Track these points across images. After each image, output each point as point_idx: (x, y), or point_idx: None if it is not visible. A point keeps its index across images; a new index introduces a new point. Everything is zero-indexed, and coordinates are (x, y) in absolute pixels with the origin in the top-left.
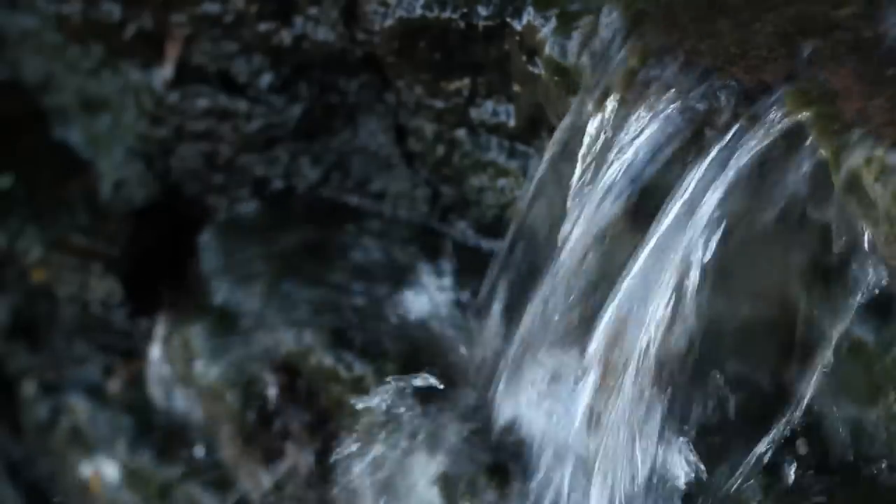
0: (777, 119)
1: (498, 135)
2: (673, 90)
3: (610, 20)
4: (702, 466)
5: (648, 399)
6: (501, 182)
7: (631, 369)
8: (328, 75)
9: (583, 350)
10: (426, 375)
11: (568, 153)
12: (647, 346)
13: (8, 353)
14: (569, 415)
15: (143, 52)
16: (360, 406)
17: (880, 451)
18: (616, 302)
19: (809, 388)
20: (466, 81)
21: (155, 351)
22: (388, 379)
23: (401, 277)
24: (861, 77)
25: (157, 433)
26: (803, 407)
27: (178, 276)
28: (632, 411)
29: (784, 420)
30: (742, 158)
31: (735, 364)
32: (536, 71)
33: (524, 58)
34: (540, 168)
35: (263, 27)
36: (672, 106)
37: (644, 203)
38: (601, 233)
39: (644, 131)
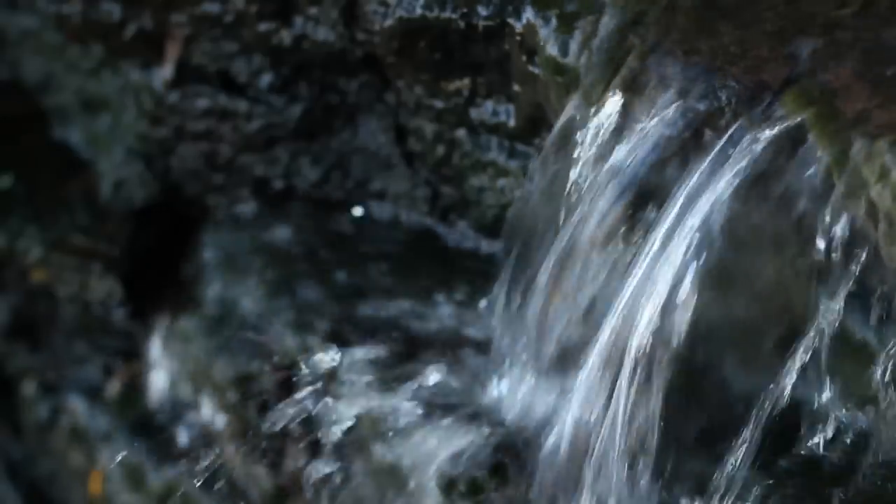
0: (777, 119)
1: (498, 135)
2: (673, 90)
3: (610, 20)
4: (700, 463)
5: (647, 397)
6: (501, 182)
7: (630, 366)
8: (328, 75)
9: (584, 347)
10: (427, 375)
11: (566, 153)
12: (647, 344)
13: (8, 353)
14: (566, 412)
15: (143, 52)
16: (360, 405)
17: (880, 451)
18: (617, 301)
19: (809, 388)
20: (466, 81)
21: (155, 351)
22: (389, 378)
23: (401, 276)
24: (861, 77)
25: (156, 433)
26: (804, 407)
27: (179, 275)
28: (631, 408)
29: (783, 419)
30: (742, 159)
31: (734, 363)
32: (536, 71)
33: (524, 58)
34: (538, 168)
35: (263, 27)
36: (672, 106)
37: (644, 203)
38: (602, 233)
39: (644, 131)
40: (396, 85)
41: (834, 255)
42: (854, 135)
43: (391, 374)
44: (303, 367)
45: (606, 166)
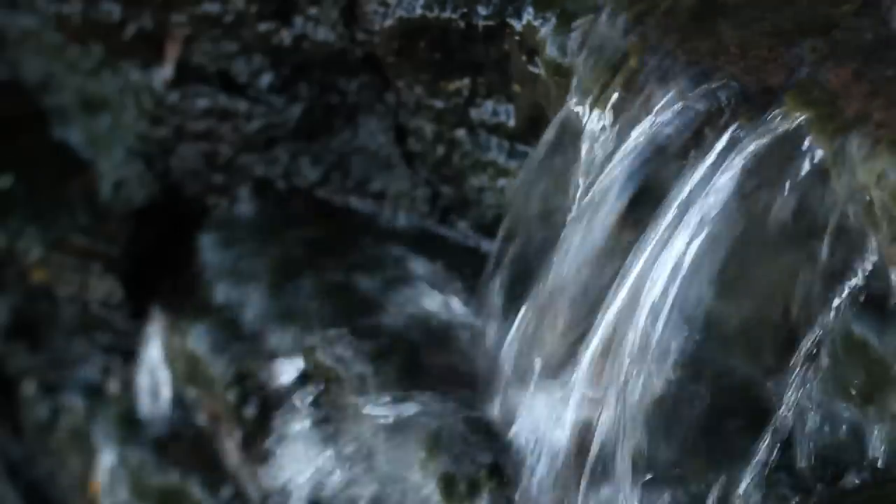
0: (777, 119)
1: (498, 135)
2: (673, 90)
3: (610, 20)
4: (700, 466)
5: (645, 397)
6: (501, 182)
7: (628, 368)
8: (328, 75)
9: (581, 348)
10: (427, 375)
11: (563, 152)
12: (645, 343)
13: (8, 353)
14: (563, 412)
15: (143, 52)
16: (360, 406)
17: (879, 452)
18: (615, 300)
19: (809, 389)
20: (466, 81)
21: (155, 350)
22: (389, 378)
23: (401, 277)
24: (861, 77)
25: (157, 433)
26: (803, 408)
27: (179, 275)
28: (628, 408)
29: (783, 420)
30: (742, 159)
31: (734, 364)
32: (536, 71)
33: (524, 58)
34: (533, 167)
35: (263, 27)
36: (672, 106)
37: (643, 203)
38: (600, 233)
39: (643, 131)
40: (396, 85)
41: (834, 255)
42: (853, 135)
43: (391, 372)
44: (303, 366)
45: (606, 166)
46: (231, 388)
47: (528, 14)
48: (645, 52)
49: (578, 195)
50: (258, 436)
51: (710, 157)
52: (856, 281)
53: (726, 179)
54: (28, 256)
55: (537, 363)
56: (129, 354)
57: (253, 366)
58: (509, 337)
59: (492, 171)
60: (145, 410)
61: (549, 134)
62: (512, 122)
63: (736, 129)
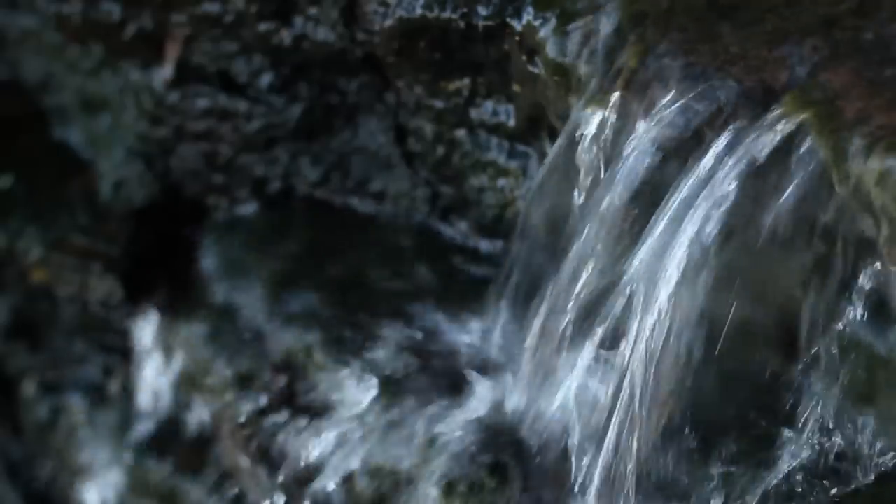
0: (777, 119)
1: (498, 135)
2: (673, 90)
3: (610, 20)
4: (702, 465)
5: (649, 398)
6: (501, 182)
7: (632, 369)
8: (328, 75)
9: (586, 348)
10: (428, 374)
11: (569, 154)
12: (648, 344)
13: (8, 353)
14: (565, 414)
15: (143, 52)
16: (360, 405)
17: (881, 451)
18: (617, 301)
19: (810, 389)
20: (466, 81)
21: (154, 351)
22: (389, 377)
23: (401, 277)
24: (861, 77)
25: (156, 433)
26: (804, 407)
27: (179, 275)
28: (632, 409)
29: (784, 421)
30: (742, 159)
31: (736, 364)
32: (536, 71)
33: (524, 58)
34: (542, 169)
35: (263, 27)
36: (672, 106)
37: (644, 203)
38: (602, 233)
39: (644, 132)
40: (396, 85)
41: (834, 255)
42: (854, 135)
43: (391, 372)
44: (303, 366)
45: (608, 167)
46: (230, 389)
47: (528, 14)
48: (645, 53)
49: (584, 195)
50: (258, 435)
51: (710, 158)
52: (857, 281)
53: (726, 180)
54: (28, 256)
55: (544, 354)
56: (128, 354)
57: (252, 366)
58: (513, 331)
59: (492, 171)
60: (145, 410)
61: (559, 137)
62: (512, 122)
63: (736, 129)
